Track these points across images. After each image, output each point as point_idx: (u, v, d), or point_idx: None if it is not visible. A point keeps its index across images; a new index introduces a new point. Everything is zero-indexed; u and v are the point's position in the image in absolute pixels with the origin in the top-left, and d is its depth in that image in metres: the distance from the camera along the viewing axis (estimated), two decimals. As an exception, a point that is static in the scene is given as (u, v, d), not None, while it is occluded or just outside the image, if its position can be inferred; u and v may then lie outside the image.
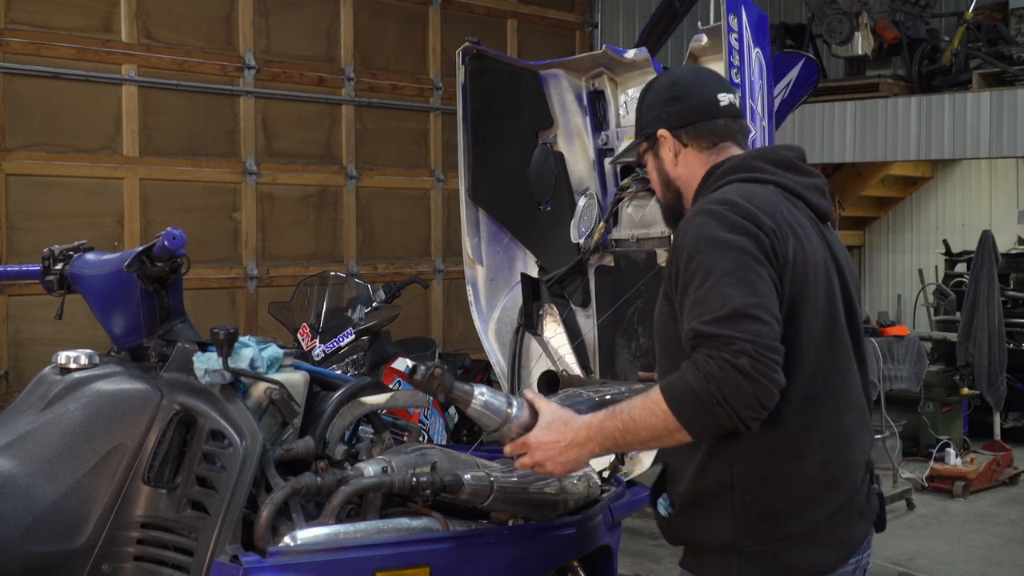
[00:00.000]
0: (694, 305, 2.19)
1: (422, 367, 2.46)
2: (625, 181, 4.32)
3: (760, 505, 2.28)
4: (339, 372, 5.06)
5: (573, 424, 2.35)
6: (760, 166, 2.43)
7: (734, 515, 2.29)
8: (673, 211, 2.58)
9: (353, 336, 5.79)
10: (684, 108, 2.52)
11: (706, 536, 2.35)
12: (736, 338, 2.11)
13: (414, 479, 2.71)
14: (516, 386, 4.03)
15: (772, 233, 2.25)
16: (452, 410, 6.62)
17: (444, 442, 5.85)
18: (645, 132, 2.58)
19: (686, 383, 2.15)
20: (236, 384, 2.77)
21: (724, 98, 2.53)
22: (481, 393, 2.46)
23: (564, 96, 4.46)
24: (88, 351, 2.89)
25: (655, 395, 2.21)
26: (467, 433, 6.31)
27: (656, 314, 2.44)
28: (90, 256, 3.15)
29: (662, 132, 2.53)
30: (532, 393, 2.50)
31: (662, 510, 2.47)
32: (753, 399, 2.11)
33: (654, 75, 4.01)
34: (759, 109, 3.41)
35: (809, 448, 2.29)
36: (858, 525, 2.38)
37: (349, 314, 5.94)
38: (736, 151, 2.52)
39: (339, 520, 2.66)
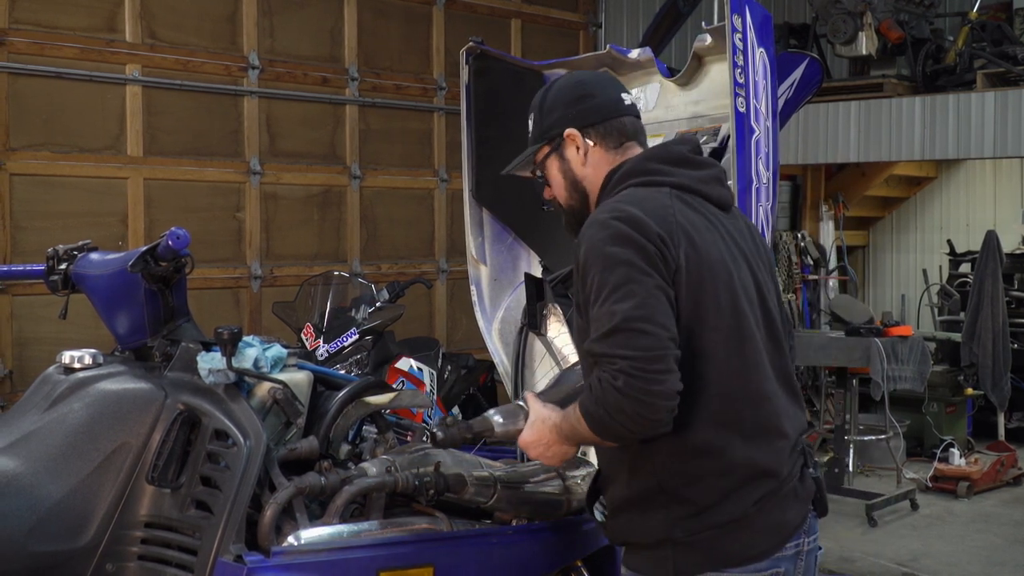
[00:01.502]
0: (591, 322, 2.27)
1: (439, 432, 2.61)
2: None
3: (689, 502, 2.34)
4: (343, 372, 5.06)
5: (547, 424, 2.47)
6: (655, 167, 2.46)
7: (666, 513, 2.35)
8: (577, 216, 2.57)
9: (357, 336, 5.79)
10: (591, 106, 2.54)
11: (642, 534, 2.40)
12: (615, 356, 2.19)
13: (417, 479, 2.71)
14: (520, 386, 4.03)
15: (660, 240, 2.28)
16: (456, 410, 6.62)
17: (448, 442, 5.84)
18: (550, 133, 2.57)
19: (588, 404, 2.27)
20: (240, 384, 2.77)
21: (627, 97, 2.58)
22: (496, 415, 2.64)
23: (568, 96, 4.45)
24: (92, 351, 2.89)
25: (580, 409, 2.31)
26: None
27: (574, 327, 2.51)
28: (94, 256, 3.16)
29: (570, 131, 2.54)
30: (529, 394, 2.62)
31: (598, 515, 2.55)
32: (635, 415, 2.18)
33: (658, 75, 4.02)
34: (763, 109, 3.40)
35: (731, 445, 2.33)
36: (792, 508, 2.40)
37: (353, 314, 5.94)
38: (638, 151, 2.55)
39: (343, 520, 2.66)
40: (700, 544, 2.33)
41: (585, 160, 2.54)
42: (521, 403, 2.69)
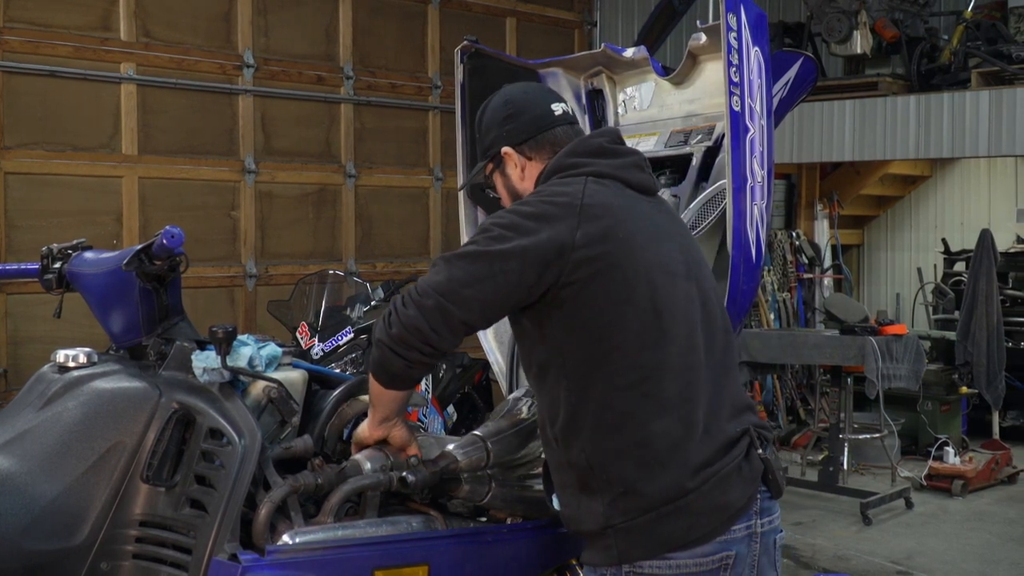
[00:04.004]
0: (446, 258, 2.44)
1: (409, 475, 2.66)
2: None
3: (620, 480, 2.38)
4: (338, 371, 5.06)
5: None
6: (572, 161, 2.57)
7: (601, 496, 2.40)
8: None
9: (352, 335, 5.79)
10: (521, 123, 2.66)
11: (587, 522, 2.45)
12: (411, 303, 2.39)
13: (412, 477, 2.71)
14: (514, 384, 4.03)
15: (554, 225, 2.39)
16: (451, 408, 6.62)
17: (443, 440, 5.84)
18: (489, 152, 2.70)
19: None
20: (235, 382, 2.77)
21: (557, 108, 2.69)
22: (456, 448, 2.74)
23: (563, 95, 4.45)
24: (87, 349, 2.88)
25: None
26: (466, 432, 6.30)
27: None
28: (89, 254, 3.15)
29: (506, 150, 2.67)
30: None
31: (555, 503, 2.61)
32: (392, 326, 2.41)
33: (653, 73, 4.02)
34: (758, 108, 3.40)
35: (649, 415, 2.37)
36: (735, 488, 2.41)
37: (348, 313, 5.93)
38: None
39: (338, 518, 2.66)
40: (639, 529, 2.36)
41: (523, 175, 2.67)
42: (477, 432, 2.78)
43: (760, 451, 2.48)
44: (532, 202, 2.47)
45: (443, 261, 2.43)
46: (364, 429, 2.70)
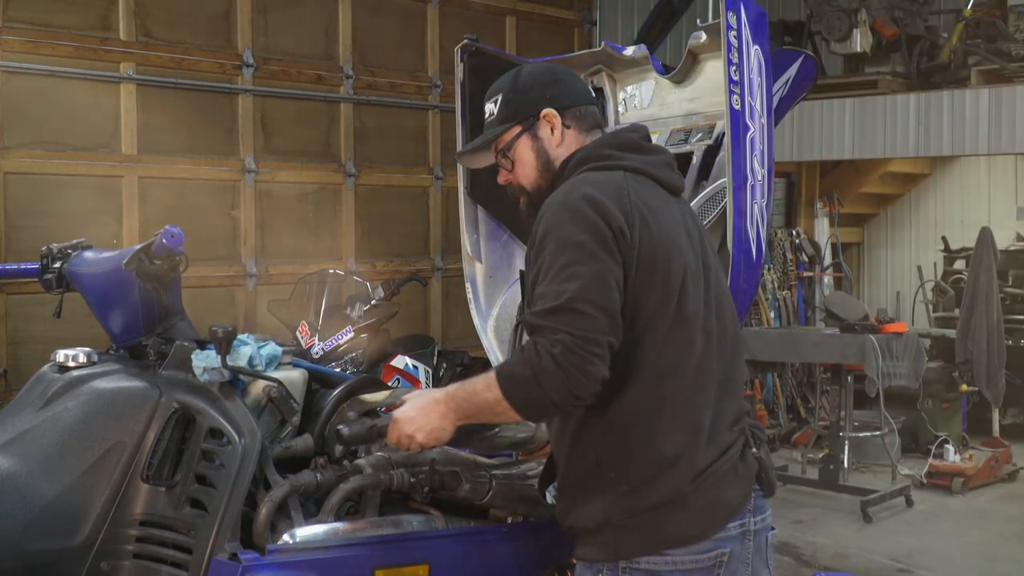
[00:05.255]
0: (535, 299, 2.32)
1: (343, 428, 2.59)
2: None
3: (625, 480, 2.38)
4: (338, 370, 5.06)
5: (431, 395, 2.51)
6: (608, 153, 2.53)
7: (603, 493, 2.40)
8: (542, 197, 2.56)
9: (352, 334, 5.79)
10: (568, 90, 2.63)
11: (584, 518, 2.44)
12: (556, 329, 2.24)
13: (412, 476, 2.71)
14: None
15: (618, 221, 2.35)
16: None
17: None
18: (524, 112, 2.61)
19: (511, 365, 2.31)
20: (235, 382, 2.77)
21: (592, 89, 2.65)
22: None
23: (563, 93, 4.45)
24: (87, 349, 2.89)
25: (493, 372, 2.36)
26: (466, 430, 6.29)
27: (523, 302, 2.55)
28: (88, 254, 3.16)
29: (549, 111, 2.60)
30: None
31: (549, 498, 2.62)
32: (563, 387, 2.24)
33: (653, 72, 4.02)
34: (758, 107, 3.40)
35: (662, 418, 2.38)
36: (731, 487, 2.43)
37: (348, 312, 5.93)
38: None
39: (338, 518, 2.66)
40: (638, 527, 2.37)
41: (561, 140, 2.60)
42: None
43: (754, 450, 2.51)
44: (573, 202, 2.36)
45: (566, 311, 2.26)
46: (436, 423, 2.48)
